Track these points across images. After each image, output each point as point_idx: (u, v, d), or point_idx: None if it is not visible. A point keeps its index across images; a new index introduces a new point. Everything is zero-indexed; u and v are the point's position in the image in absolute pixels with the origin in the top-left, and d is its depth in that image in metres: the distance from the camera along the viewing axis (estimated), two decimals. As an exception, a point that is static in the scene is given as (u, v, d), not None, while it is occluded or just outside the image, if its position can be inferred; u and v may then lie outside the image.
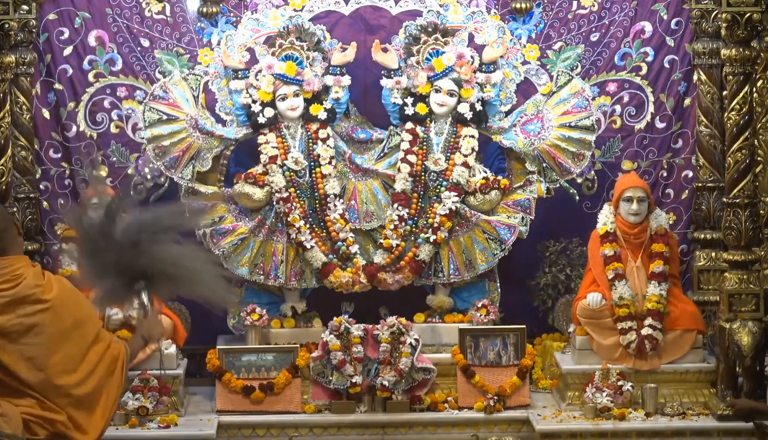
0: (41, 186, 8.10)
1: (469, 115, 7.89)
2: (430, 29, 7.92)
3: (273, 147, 7.85)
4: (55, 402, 5.00)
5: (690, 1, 8.12)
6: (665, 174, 8.31)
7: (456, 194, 7.88)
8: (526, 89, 8.12)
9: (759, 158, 7.74)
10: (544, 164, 7.96)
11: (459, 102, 7.90)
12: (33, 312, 5.00)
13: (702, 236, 8.19)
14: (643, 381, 7.59)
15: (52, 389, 5.00)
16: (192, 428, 7.30)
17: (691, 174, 8.27)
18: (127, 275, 5.28)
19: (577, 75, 8.08)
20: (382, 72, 7.95)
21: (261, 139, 7.87)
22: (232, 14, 8.12)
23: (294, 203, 7.85)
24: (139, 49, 8.12)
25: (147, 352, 7.47)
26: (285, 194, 7.81)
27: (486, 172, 8.02)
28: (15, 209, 7.73)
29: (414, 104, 7.92)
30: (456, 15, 8.00)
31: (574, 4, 8.24)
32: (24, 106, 7.88)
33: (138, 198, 7.78)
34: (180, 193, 7.91)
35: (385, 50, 7.95)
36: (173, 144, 7.81)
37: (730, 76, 7.59)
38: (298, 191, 7.87)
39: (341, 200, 7.94)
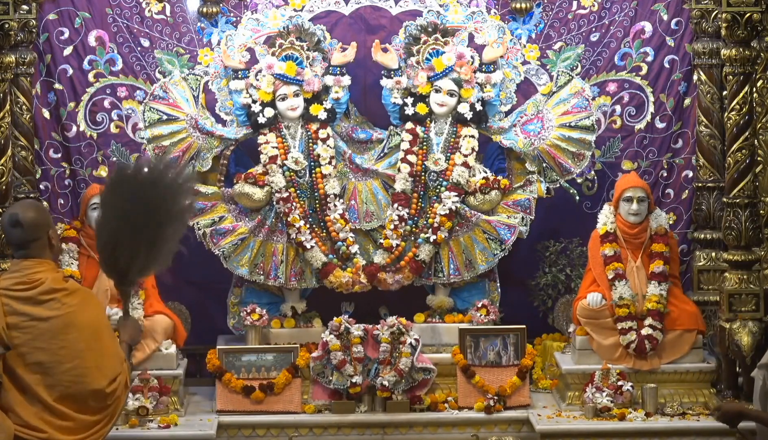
0: (41, 186, 8.09)
1: (469, 115, 7.89)
2: (430, 29, 7.91)
3: (273, 147, 7.85)
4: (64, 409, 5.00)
5: (690, 1, 8.12)
6: (665, 174, 8.30)
7: (456, 194, 7.88)
8: (526, 89, 8.12)
9: (759, 158, 7.76)
10: (544, 164, 7.96)
11: (459, 102, 7.90)
12: (47, 317, 4.99)
13: (702, 236, 8.18)
14: (643, 381, 7.59)
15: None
16: (192, 428, 7.30)
17: (691, 174, 8.26)
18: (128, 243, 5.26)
19: (577, 75, 8.08)
20: (382, 72, 7.94)
21: (261, 139, 7.87)
22: (232, 14, 8.12)
23: (294, 203, 7.85)
24: (139, 49, 8.12)
25: (147, 352, 7.52)
26: (285, 194, 7.81)
27: (486, 172, 8.02)
28: (15, 209, 7.73)
29: (414, 104, 7.92)
30: (456, 15, 8.00)
31: (574, 4, 8.24)
32: (24, 106, 7.88)
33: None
34: (180, 193, 7.91)
35: (385, 50, 7.95)
36: (173, 144, 7.82)
37: (730, 76, 7.61)
38: (298, 191, 7.87)
39: (341, 200, 7.94)
